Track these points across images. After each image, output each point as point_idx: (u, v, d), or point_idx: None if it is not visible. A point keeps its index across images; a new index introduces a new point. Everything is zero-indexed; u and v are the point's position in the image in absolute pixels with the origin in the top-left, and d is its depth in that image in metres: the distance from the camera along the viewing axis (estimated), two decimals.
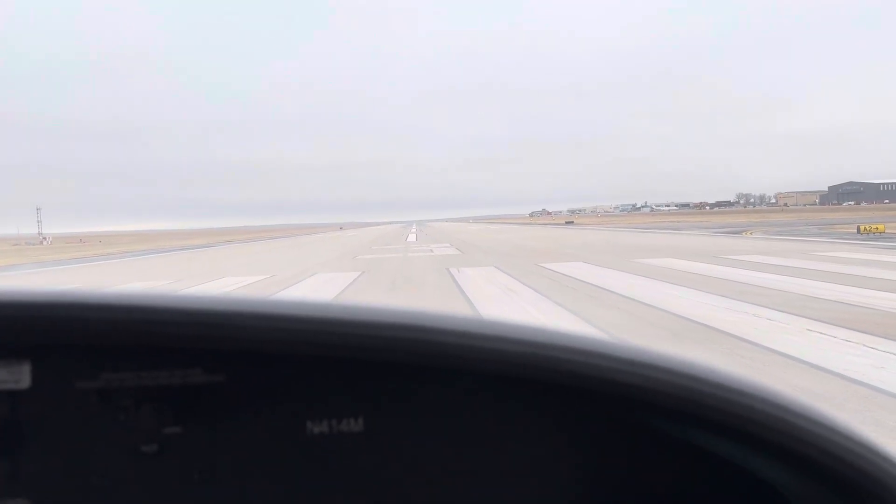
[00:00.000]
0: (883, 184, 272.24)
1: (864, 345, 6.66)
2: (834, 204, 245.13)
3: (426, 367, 0.60)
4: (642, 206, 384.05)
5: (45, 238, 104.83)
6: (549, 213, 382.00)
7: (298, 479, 0.61)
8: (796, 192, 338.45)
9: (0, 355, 0.56)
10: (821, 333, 7.31)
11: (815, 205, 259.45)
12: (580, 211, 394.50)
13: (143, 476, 0.59)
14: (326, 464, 0.61)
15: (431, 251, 28.56)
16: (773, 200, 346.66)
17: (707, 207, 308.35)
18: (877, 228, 28.73)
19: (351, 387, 0.61)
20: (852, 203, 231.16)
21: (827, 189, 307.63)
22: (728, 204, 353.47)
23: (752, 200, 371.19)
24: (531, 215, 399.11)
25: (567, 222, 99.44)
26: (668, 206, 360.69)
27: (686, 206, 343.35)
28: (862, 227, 29.49)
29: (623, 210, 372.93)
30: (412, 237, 52.28)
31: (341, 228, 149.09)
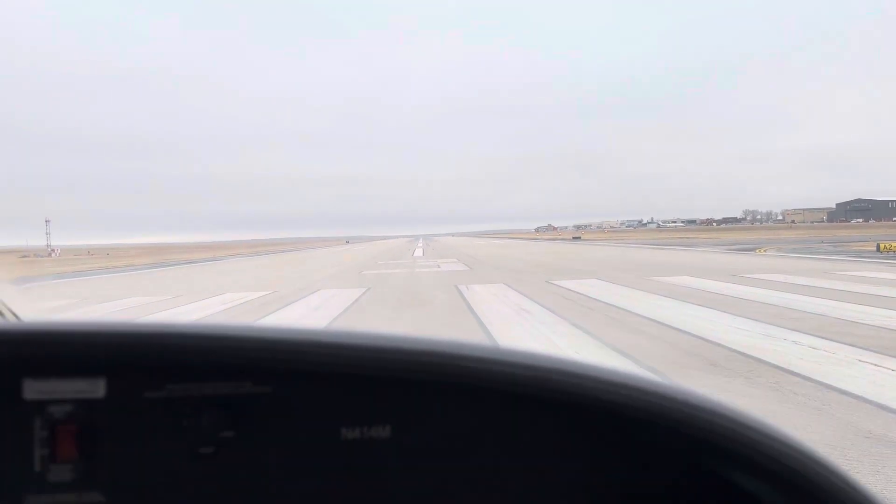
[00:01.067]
0: (891, 201, 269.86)
1: None
2: (842, 221, 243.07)
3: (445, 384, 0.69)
4: (648, 222, 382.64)
5: (53, 250, 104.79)
6: (554, 229, 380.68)
7: (333, 479, 0.69)
8: (803, 209, 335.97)
9: (80, 373, 0.66)
10: (876, 366, 6.58)
11: (823, 222, 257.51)
12: (586, 227, 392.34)
13: (201, 474, 0.67)
14: (358, 466, 0.69)
15: (439, 266, 27.89)
16: (780, 217, 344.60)
17: (714, 224, 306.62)
18: None
19: (380, 397, 0.69)
20: (860, 220, 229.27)
21: (834, 206, 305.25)
22: (735, 220, 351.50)
23: (758, 217, 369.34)
24: (537, 230, 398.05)
25: (574, 238, 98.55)
26: (674, 222, 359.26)
27: (692, 222, 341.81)
28: (882, 245, 28.66)
29: (629, 226, 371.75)
30: (419, 252, 51.65)
31: (348, 242, 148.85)
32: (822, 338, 8.16)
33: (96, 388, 0.66)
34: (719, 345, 7.91)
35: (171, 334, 0.66)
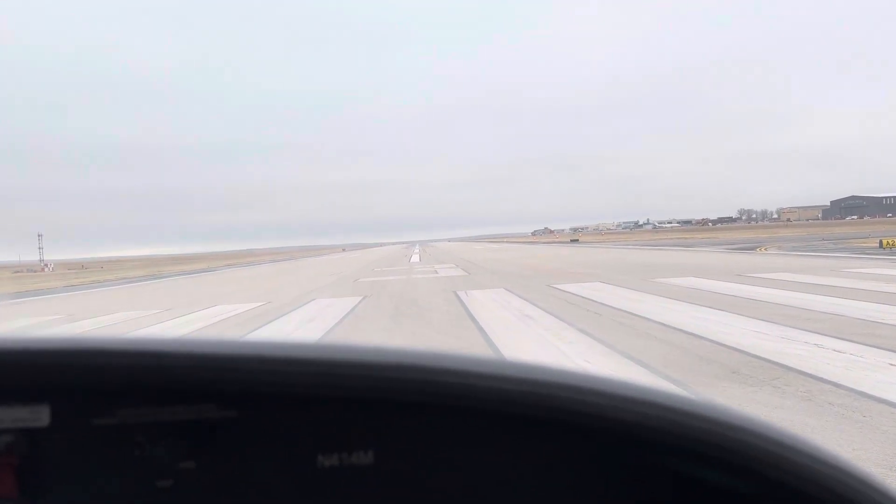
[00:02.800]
0: (885, 197, 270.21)
1: None
2: (837, 218, 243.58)
3: (431, 404, 0.62)
4: (644, 223, 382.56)
5: (46, 265, 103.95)
6: (551, 232, 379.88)
7: None
8: (798, 207, 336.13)
9: (20, 399, 0.59)
10: None
11: (818, 219, 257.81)
12: (582, 229, 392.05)
13: None
14: (337, 496, 0.62)
15: (436, 272, 27.40)
16: (776, 216, 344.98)
17: (710, 223, 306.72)
18: None
19: (360, 420, 0.62)
20: (855, 217, 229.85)
21: (829, 203, 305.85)
22: (730, 220, 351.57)
23: (754, 216, 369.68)
24: (533, 234, 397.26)
25: (572, 240, 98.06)
26: (669, 222, 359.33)
27: (688, 222, 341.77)
28: (885, 242, 28.30)
29: (625, 227, 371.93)
30: (415, 258, 51.18)
31: (343, 250, 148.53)
32: (845, 340, 7.70)
33: (39, 416, 0.58)
34: (737, 349, 7.44)
35: (122, 352, 0.58)
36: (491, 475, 0.63)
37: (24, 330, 13.79)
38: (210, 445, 0.60)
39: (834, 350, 7.19)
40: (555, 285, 17.31)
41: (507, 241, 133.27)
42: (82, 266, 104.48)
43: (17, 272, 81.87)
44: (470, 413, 0.61)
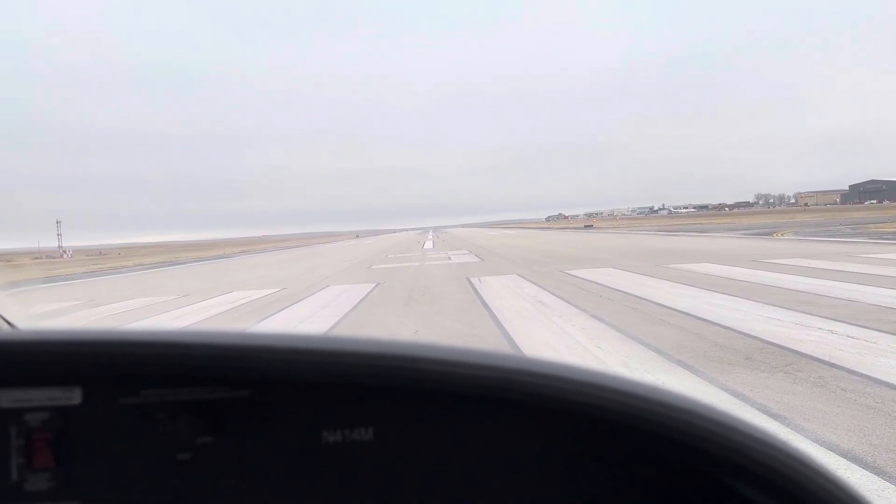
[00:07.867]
0: None
1: None
2: (855, 203, 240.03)
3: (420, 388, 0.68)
4: (660, 209, 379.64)
5: (65, 251, 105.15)
6: (565, 217, 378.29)
7: (315, 484, 0.68)
8: (816, 192, 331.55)
9: (55, 382, 0.66)
10: None
11: (836, 204, 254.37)
12: (597, 214, 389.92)
13: (179, 481, 0.67)
14: (340, 470, 0.68)
15: (449, 259, 27.47)
16: (793, 200, 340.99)
17: (726, 209, 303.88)
18: None
19: (361, 399, 0.68)
20: (875, 201, 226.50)
21: (848, 188, 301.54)
22: (747, 205, 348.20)
23: (771, 201, 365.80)
24: (548, 219, 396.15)
25: (586, 226, 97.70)
26: (686, 207, 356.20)
27: (705, 207, 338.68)
28: None
29: (640, 213, 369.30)
30: (429, 244, 51.29)
31: (357, 236, 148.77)
32: (860, 326, 7.68)
33: (71, 396, 0.65)
34: (751, 336, 7.44)
35: (147, 343, 0.65)
36: (472, 449, 0.69)
37: (48, 314, 14.05)
38: (225, 422, 0.67)
39: (848, 336, 7.17)
40: (568, 271, 17.31)
41: (521, 227, 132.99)
42: (100, 252, 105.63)
43: (37, 258, 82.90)
44: (454, 396, 0.67)
